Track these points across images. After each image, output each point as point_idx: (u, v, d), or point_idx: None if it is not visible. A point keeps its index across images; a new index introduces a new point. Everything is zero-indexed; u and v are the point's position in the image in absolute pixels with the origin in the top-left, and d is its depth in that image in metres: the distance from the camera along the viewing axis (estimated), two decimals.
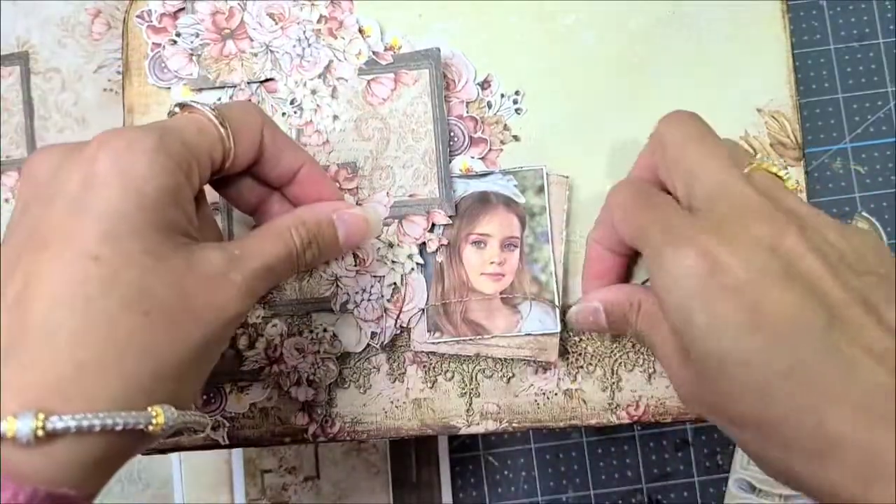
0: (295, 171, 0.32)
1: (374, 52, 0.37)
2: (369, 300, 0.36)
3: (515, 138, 0.38)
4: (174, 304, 0.25)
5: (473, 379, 0.37)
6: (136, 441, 0.24)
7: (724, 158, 0.29)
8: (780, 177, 0.29)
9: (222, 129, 0.28)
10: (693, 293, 0.26)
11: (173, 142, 0.26)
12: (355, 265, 0.36)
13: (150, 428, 0.23)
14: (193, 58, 0.38)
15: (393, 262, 0.36)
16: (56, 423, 0.22)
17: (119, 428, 0.23)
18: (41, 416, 0.21)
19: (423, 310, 0.36)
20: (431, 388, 0.37)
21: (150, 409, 0.24)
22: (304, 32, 0.37)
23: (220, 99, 0.38)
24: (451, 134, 0.37)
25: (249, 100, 0.38)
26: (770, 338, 0.24)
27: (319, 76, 0.37)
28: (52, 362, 0.22)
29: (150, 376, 0.24)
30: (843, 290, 0.25)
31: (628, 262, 0.35)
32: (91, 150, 0.25)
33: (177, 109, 0.29)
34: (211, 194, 0.38)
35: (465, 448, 0.42)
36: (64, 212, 0.24)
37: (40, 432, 0.21)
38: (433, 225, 0.36)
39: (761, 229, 0.26)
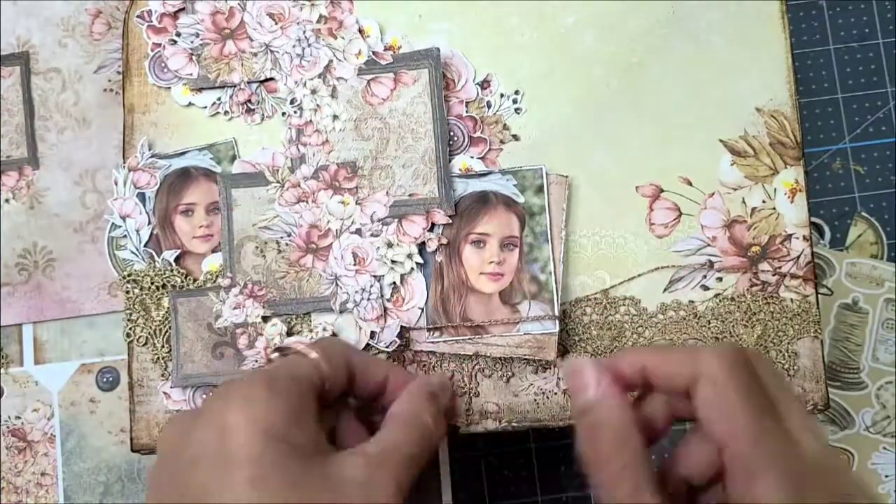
0: (383, 380, 0.33)
1: (373, 52, 0.37)
2: (369, 300, 0.36)
3: (515, 138, 0.38)
4: None
5: (473, 378, 0.37)
6: None
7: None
8: None
9: (315, 355, 0.31)
10: None
11: (281, 379, 0.29)
12: (355, 265, 0.36)
13: None
14: (193, 57, 0.38)
15: (393, 261, 0.36)
16: None
17: None
18: None
19: (423, 309, 0.36)
20: None
21: None
22: (304, 32, 0.38)
23: (219, 98, 0.38)
24: (451, 133, 0.37)
25: (250, 99, 0.38)
26: None
27: (319, 76, 0.37)
28: None
29: None
30: None
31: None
32: (217, 408, 0.28)
33: (274, 356, 0.33)
34: (211, 194, 0.38)
35: (465, 448, 0.42)
36: (210, 467, 0.26)
37: None
38: (433, 224, 0.36)
39: None
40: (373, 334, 0.36)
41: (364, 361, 0.33)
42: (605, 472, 0.27)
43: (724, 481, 0.27)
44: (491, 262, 0.36)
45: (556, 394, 0.37)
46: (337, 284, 0.36)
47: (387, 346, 0.36)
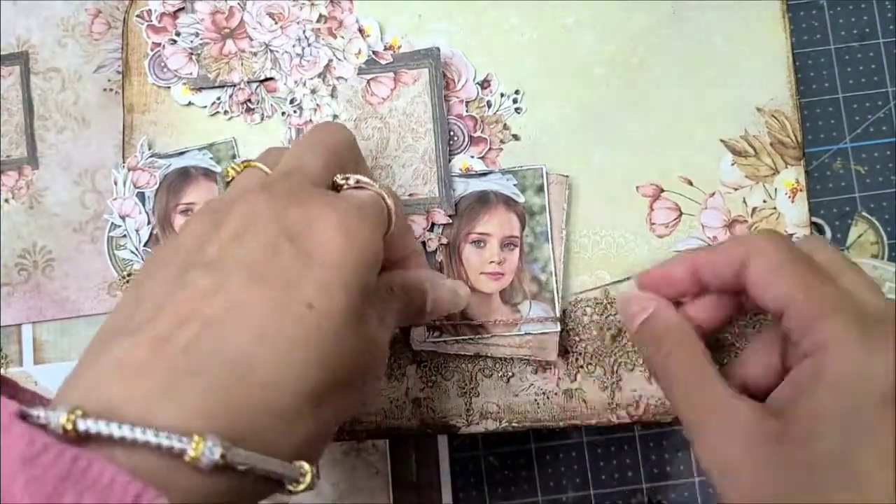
0: (405, 256, 0.32)
1: (373, 52, 0.37)
2: None
3: (515, 137, 0.38)
4: (351, 368, 0.25)
5: (473, 378, 0.37)
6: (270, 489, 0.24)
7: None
8: None
9: (389, 207, 0.29)
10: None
11: (380, 218, 0.28)
12: None
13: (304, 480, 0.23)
14: (193, 57, 0.38)
15: None
16: (234, 457, 0.21)
17: (277, 477, 0.22)
18: (226, 444, 0.20)
19: None
20: (431, 387, 0.37)
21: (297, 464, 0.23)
22: (304, 32, 0.37)
23: (219, 98, 0.38)
24: (451, 133, 0.37)
25: (249, 98, 0.38)
26: None
27: (319, 76, 0.37)
28: (238, 395, 0.22)
29: (313, 435, 0.24)
30: None
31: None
32: (320, 206, 0.26)
33: (352, 183, 0.29)
34: (210, 194, 0.38)
35: (465, 448, 0.42)
36: (290, 255, 0.24)
37: (220, 461, 0.20)
38: (433, 224, 0.36)
39: None
40: None
41: (401, 227, 0.31)
42: (672, 367, 0.30)
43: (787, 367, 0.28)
44: (491, 262, 0.36)
45: (556, 394, 0.37)
46: None
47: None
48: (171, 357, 0.21)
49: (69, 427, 0.19)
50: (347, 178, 0.29)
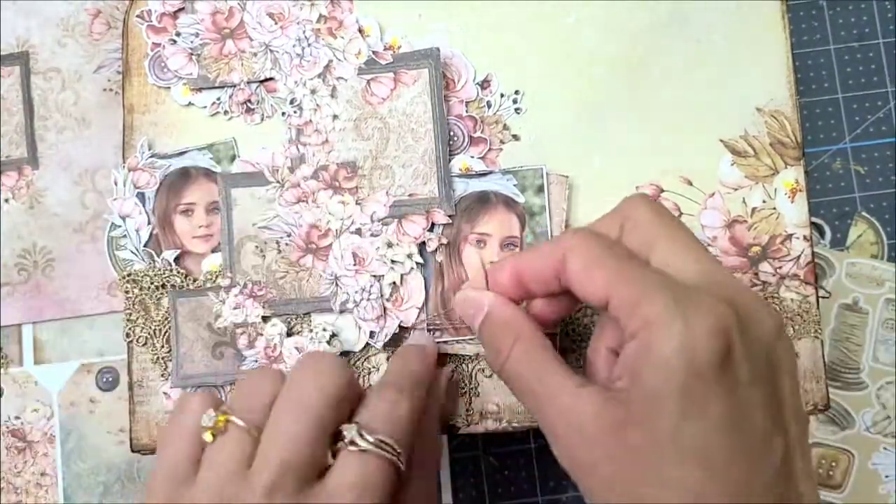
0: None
1: (373, 52, 0.37)
2: (369, 300, 0.36)
3: (515, 138, 0.38)
4: None
5: (473, 378, 0.37)
6: None
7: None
8: None
9: (399, 465, 0.29)
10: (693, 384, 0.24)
11: (383, 493, 0.28)
12: (355, 265, 0.36)
13: None
14: (193, 57, 0.38)
15: (392, 261, 0.36)
16: None
17: None
18: None
19: (420, 309, 0.36)
20: None
21: None
22: (304, 32, 0.38)
23: (219, 98, 0.38)
24: (451, 133, 0.37)
25: (250, 99, 0.38)
26: None
27: (319, 76, 0.37)
28: None
29: None
30: None
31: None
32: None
33: (349, 446, 0.29)
34: (210, 194, 0.38)
35: (465, 448, 0.42)
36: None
37: None
38: (433, 224, 0.36)
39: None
40: (372, 334, 0.36)
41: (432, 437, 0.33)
42: (511, 360, 0.29)
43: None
44: (491, 262, 0.36)
45: None
46: (337, 284, 0.36)
47: (385, 346, 0.36)
48: None
49: None
50: (344, 440, 0.28)
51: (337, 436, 0.28)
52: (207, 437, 0.28)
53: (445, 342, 0.36)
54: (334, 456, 0.28)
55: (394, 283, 0.36)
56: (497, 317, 0.31)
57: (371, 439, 0.28)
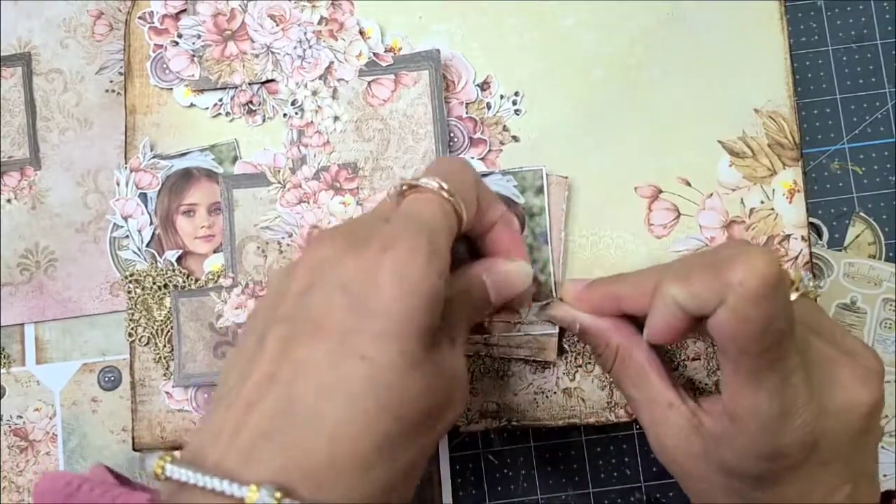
0: (493, 224, 0.32)
1: (374, 54, 0.38)
2: None
3: (515, 139, 0.38)
4: (421, 410, 0.25)
5: (472, 377, 0.37)
6: None
7: None
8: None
9: (457, 206, 0.29)
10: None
11: (438, 245, 0.27)
12: None
13: None
14: (195, 59, 0.38)
15: None
16: None
17: None
18: (278, 494, 0.22)
19: None
20: None
21: None
22: (305, 34, 0.38)
23: (221, 100, 0.38)
24: (451, 135, 0.37)
25: (251, 100, 0.38)
26: None
27: (320, 77, 0.38)
28: (309, 450, 0.23)
29: (389, 482, 0.24)
30: None
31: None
32: (375, 252, 0.26)
33: (405, 188, 0.29)
34: (212, 195, 0.38)
35: (465, 447, 0.42)
36: (345, 307, 0.25)
37: None
38: None
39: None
40: None
41: (487, 200, 0.31)
42: (617, 367, 0.32)
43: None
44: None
45: (555, 393, 0.37)
46: None
47: None
48: (253, 424, 0.24)
49: (159, 472, 0.24)
50: (409, 183, 0.29)
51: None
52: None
53: None
54: None
55: None
56: (592, 331, 0.33)
57: (434, 186, 0.28)
